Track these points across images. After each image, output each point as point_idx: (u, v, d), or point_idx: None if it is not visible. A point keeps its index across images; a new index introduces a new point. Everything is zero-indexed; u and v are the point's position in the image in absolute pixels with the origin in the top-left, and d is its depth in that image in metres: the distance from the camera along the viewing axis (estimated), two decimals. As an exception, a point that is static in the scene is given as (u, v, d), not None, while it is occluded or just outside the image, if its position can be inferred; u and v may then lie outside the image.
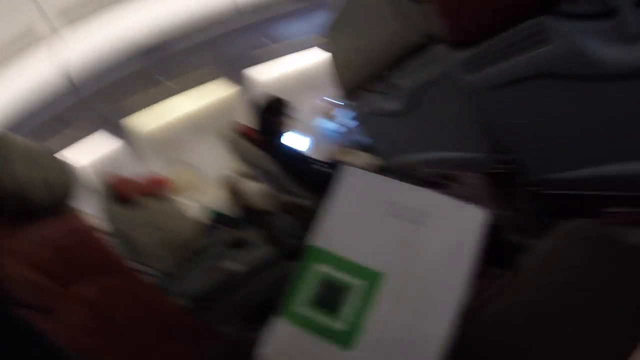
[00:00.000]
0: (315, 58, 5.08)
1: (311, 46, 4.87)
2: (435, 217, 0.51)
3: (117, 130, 4.41)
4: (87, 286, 0.85)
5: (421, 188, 0.53)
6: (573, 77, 0.81)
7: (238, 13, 3.95)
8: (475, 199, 1.29)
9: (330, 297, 0.50)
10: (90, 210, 3.66)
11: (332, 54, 1.55)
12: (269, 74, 4.98)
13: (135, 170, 4.45)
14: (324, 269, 0.51)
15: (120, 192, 2.48)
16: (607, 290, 0.59)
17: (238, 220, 3.66)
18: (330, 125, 4.55)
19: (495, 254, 1.36)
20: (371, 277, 0.50)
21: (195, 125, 4.83)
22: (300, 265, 0.52)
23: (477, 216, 0.52)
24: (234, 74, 4.64)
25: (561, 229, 0.69)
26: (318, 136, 5.31)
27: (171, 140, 4.75)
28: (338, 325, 0.49)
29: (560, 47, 0.77)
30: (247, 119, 2.73)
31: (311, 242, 0.53)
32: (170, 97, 4.41)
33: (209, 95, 4.76)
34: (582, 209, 1.09)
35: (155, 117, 4.55)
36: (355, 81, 1.48)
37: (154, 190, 3.22)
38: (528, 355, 0.55)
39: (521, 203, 1.36)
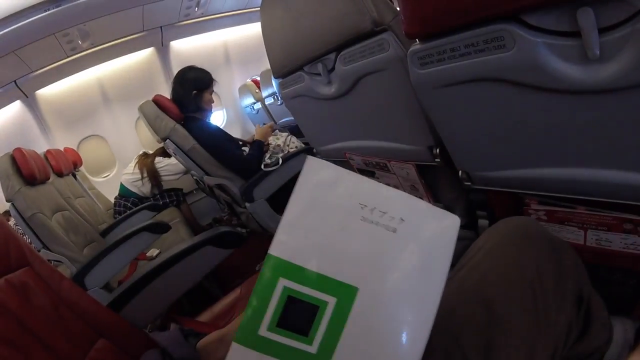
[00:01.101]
0: (248, 32, 4.96)
1: (246, 20, 4.76)
2: (409, 223, 0.46)
3: (16, 94, 3.99)
4: None
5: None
6: (526, 85, 0.82)
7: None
8: (405, 188, 1.31)
9: (297, 316, 0.43)
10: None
11: (266, 30, 1.49)
12: (193, 45, 4.77)
13: (39, 143, 4.16)
14: (288, 284, 0.44)
15: (24, 169, 2.27)
16: (542, 277, 0.63)
17: (154, 199, 3.56)
18: (253, 103, 4.47)
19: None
20: (343, 293, 0.44)
21: (107, 93, 4.52)
22: (260, 279, 0.44)
23: (453, 224, 0.47)
24: (156, 41, 4.39)
25: (502, 225, 0.72)
26: (238, 113, 5.23)
27: (79, 107, 4.41)
28: (309, 348, 0.43)
29: (520, 56, 0.77)
30: (165, 89, 2.62)
31: (271, 252, 0.46)
32: (80, 58, 4.05)
33: (126, 60, 4.45)
34: (510, 204, 1.13)
35: (62, 80, 4.18)
36: (290, 61, 1.42)
37: (61, 166, 3.02)
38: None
39: (450, 194, 1.39)
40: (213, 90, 2.64)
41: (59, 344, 0.80)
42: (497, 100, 0.90)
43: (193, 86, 2.53)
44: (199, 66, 2.67)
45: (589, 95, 0.75)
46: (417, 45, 0.95)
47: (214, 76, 2.66)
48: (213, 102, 2.66)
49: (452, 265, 0.48)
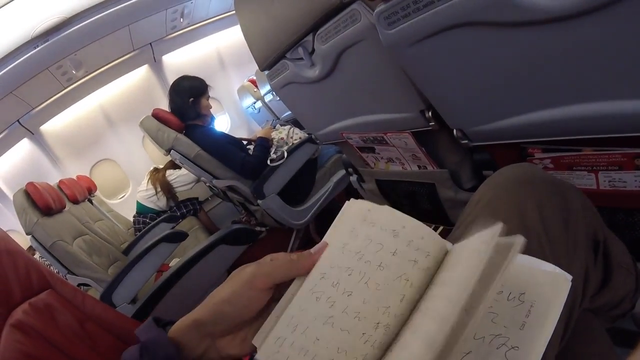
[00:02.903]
0: (238, 34, 4.97)
1: (234, 22, 4.76)
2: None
3: (21, 132, 4.05)
4: (20, 310, 0.80)
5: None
6: (500, 24, 0.79)
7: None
8: (407, 159, 1.29)
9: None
10: (10, 226, 3.50)
11: (244, 26, 1.48)
12: (186, 56, 4.80)
13: (52, 175, 4.23)
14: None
15: (39, 202, 2.32)
16: (546, 224, 0.60)
17: (170, 211, 3.60)
18: (254, 103, 4.47)
19: (436, 211, 1.37)
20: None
21: (110, 116, 4.58)
22: None
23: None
24: (148, 58, 4.42)
25: (498, 175, 0.70)
26: (242, 115, 5.24)
27: (86, 135, 4.47)
28: None
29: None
30: (165, 103, 2.65)
31: None
32: (78, 87, 4.09)
33: (123, 82, 4.49)
34: (514, 158, 1.10)
35: (64, 112, 4.24)
36: (272, 52, 1.41)
37: (76, 194, 3.08)
38: None
39: (453, 157, 1.37)
40: (209, 96, 2.64)
41: (88, 358, 0.81)
42: (473, 46, 0.87)
43: (189, 94, 2.54)
44: (194, 75, 2.68)
45: (562, 22, 0.71)
46: (381, 5, 0.93)
47: (210, 83, 2.68)
48: (211, 107, 2.67)
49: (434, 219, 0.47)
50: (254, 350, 0.48)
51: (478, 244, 0.40)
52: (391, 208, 0.49)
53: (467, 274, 0.37)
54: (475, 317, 0.35)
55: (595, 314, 0.72)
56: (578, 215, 0.63)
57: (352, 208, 0.51)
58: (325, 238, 0.51)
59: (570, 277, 0.42)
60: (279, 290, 0.50)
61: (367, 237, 0.48)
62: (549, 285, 0.41)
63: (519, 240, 0.38)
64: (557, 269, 0.43)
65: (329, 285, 0.46)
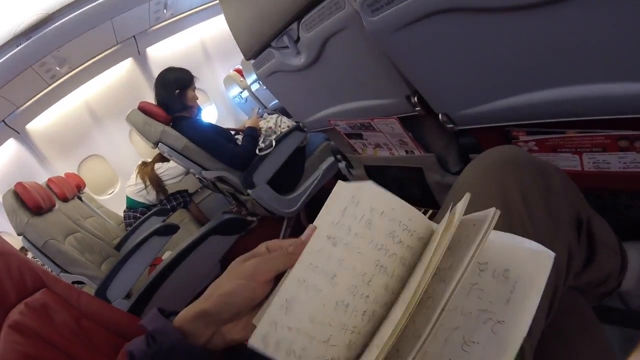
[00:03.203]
0: (223, 24, 4.92)
1: (218, 12, 4.71)
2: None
3: (7, 132, 4.01)
4: (16, 311, 0.81)
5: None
6: (483, 9, 0.80)
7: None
8: (394, 144, 1.30)
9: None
10: (1, 228, 3.47)
11: (228, 16, 1.47)
12: (171, 48, 4.75)
13: (40, 174, 4.19)
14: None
15: (29, 202, 2.31)
16: (528, 203, 0.61)
17: (161, 205, 3.59)
18: (240, 92, 4.45)
19: (425, 195, 1.38)
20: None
21: (95, 112, 4.53)
22: None
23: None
24: (132, 51, 4.37)
25: (482, 157, 0.71)
26: (229, 106, 5.21)
27: (72, 132, 4.43)
28: None
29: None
30: (151, 96, 2.63)
31: None
32: (62, 84, 4.04)
33: (108, 77, 4.44)
34: (499, 141, 1.11)
35: (49, 110, 4.19)
36: (257, 41, 1.41)
37: (65, 192, 3.06)
38: None
39: (439, 142, 1.38)
40: (195, 87, 2.63)
41: (85, 354, 0.82)
42: (456, 32, 0.88)
43: (175, 86, 2.52)
44: (180, 66, 2.66)
45: (546, 7, 0.72)
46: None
47: (196, 74, 2.65)
48: (197, 98, 2.65)
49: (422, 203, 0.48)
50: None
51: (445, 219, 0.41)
52: (380, 189, 0.50)
53: (432, 246, 0.38)
54: (452, 286, 0.37)
55: (582, 292, 0.74)
56: (560, 195, 0.64)
57: (342, 190, 0.53)
58: (316, 221, 0.53)
59: (552, 254, 0.43)
60: (279, 278, 0.51)
61: (356, 218, 0.49)
62: (532, 262, 0.43)
63: (492, 212, 0.39)
64: (540, 246, 0.44)
65: (315, 269, 0.48)
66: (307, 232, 0.52)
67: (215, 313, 0.50)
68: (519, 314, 0.40)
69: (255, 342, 0.46)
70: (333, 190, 0.53)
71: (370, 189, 0.50)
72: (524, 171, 0.64)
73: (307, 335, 0.45)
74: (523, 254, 0.43)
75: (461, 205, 0.44)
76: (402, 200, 0.49)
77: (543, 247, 0.44)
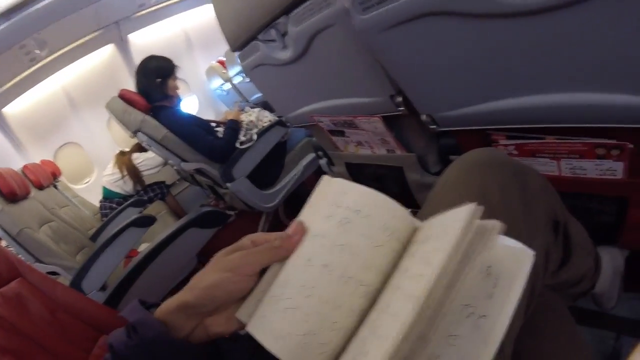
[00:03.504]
0: (207, 14, 4.87)
1: (203, 1, 4.66)
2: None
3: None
4: None
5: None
6: (471, 14, 0.81)
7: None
8: (376, 142, 1.31)
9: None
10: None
11: (217, 6, 1.46)
12: (153, 36, 4.68)
13: (14, 160, 4.10)
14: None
15: (3, 188, 2.26)
16: (507, 203, 0.62)
17: (137, 196, 3.55)
18: (222, 84, 4.42)
19: (404, 194, 1.40)
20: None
21: (74, 99, 4.44)
22: None
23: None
24: (114, 36, 4.30)
25: (462, 158, 0.71)
26: (209, 97, 5.17)
27: (49, 118, 4.34)
28: None
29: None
30: (131, 84, 2.59)
31: None
32: (41, 67, 3.94)
33: (87, 63, 4.35)
34: (479, 144, 1.13)
35: (26, 94, 4.09)
36: (244, 32, 1.40)
37: (40, 179, 3.00)
38: None
39: (420, 142, 1.39)
40: (177, 77, 2.60)
41: (60, 347, 0.81)
42: (444, 35, 0.89)
43: (156, 75, 2.49)
44: (162, 55, 2.63)
45: (530, 16, 0.74)
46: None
47: (177, 63, 2.63)
48: (178, 88, 2.62)
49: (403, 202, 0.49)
50: (239, 327, 0.50)
51: (456, 221, 0.41)
52: (364, 187, 0.50)
53: (449, 251, 0.39)
54: (455, 292, 0.38)
55: (557, 291, 0.76)
56: (539, 196, 0.66)
57: (327, 185, 0.53)
58: (301, 217, 0.53)
59: (532, 252, 0.44)
60: (262, 271, 0.51)
61: (340, 215, 0.49)
62: (513, 259, 0.43)
63: (497, 224, 0.40)
64: (520, 245, 0.45)
65: (301, 271, 0.48)
66: (292, 226, 0.52)
67: (198, 305, 0.50)
68: (501, 309, 0.40)
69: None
70: (318, 185, 0.53)
71: (355, 186, 0.50)
72: (504, 172, 0.65)
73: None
74: (504, 251, 0.44)
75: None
76: (387, 198, 0.50)
77: (523, 245, 0.45)
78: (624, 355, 1.07)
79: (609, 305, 1.04)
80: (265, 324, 0.47)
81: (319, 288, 0.46)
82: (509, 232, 0.57)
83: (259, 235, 0.53)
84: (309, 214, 0.52)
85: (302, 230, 0.51)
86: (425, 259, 0.43)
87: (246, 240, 0.53)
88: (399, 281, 0.46)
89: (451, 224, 0.42)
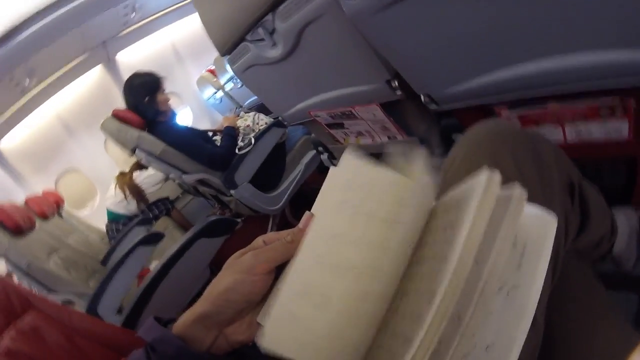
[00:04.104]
0: (193, 24, 4.84)
1: (188, 12, 4.63)
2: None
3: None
4: (7, 337, 0.79)
5: None
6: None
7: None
8: (377, 131, 1.30)
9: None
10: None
11: (202, 13, 1.45)
12: (141, 52, 4.66)
13: (16, 193, 4.09)
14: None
15: (8, 223, 2.25)
16: (522, 171, 0.61)
17: (143, 214, 3.54)
18: (214, 93, 4.41)
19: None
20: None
21: (69, 124, 4.44)
22: None
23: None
24: (102, 57, 4.28)
25: (470, 132, 0.70)
26: (203, 107, 5.16)
27: (46, 147, 4.33)
28: None
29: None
30: (124, 103, 2.56)
31: None
32: (33, 98, 3.92)
33: (79, 87, 4.33)
34: (482, 119, 1.11)
35: (21, 126, 4.08)
36: (231, 35, 1.39)
37: (45, 209, 2.99)
38: None
39: (421, 125, 1.38)
40: (165, 90, 2.57)
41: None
42: (436, 9, 0.87)
43: (143, 93, 2.45)
44: (149, 70, 2.60)
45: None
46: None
47: (168, 77, 2.60)
48: (169, 99, 2.58)
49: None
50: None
51: (474, 189, 0.39)
52: (374, 167, 0.48)
53: (470, 221, 0.37)
54: (488, 267, 0.36)
55: (578, 257, 0.74)
56: (551, 161, 0.64)
57: (337, 174, 0.51)
58: (313, 209, 0.50)
59: (555, 216, 0.42)
60: (278, 270, 0.50)
61: (353, 202, 0.47)
62: (536, 226, 0.42)
63: (523, 192, 0.38)
64: (542, 210, 0.43)
65: (320, 260, 0.45)
66: (304, 219, 0.50)
67: (215, 314, 0.48)
68: (532, 278, 0.40)
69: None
70: (327, 177, 0.51)
71: (363, 169, 0.48)
72: (514, 140, 0.64)
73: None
74: (528, 219, 0.42)
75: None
76: (398, 176, 0.47)
77: (545, 210, 0.43)
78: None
79: (628, 266, 1.03)
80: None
81: (336, 287, 0.44)
82: (527, 200, 0.55)
83: (271, 235, 0.52)
84: (320, 206, 0.50)
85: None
86: (446, 235, 0.41)
87: (258, 240, 0.52)
88: (421, 262, 0.44)
89: (469, 194, 0.40)
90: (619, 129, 0.93)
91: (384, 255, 0.44)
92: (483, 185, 0.38)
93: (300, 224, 0.50)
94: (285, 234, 0.50)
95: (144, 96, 2.46)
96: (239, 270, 0.48)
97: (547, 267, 0.40)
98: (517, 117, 1.06)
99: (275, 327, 0.44)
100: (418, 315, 0.37)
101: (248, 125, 2.66)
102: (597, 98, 0.89)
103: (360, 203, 0.46)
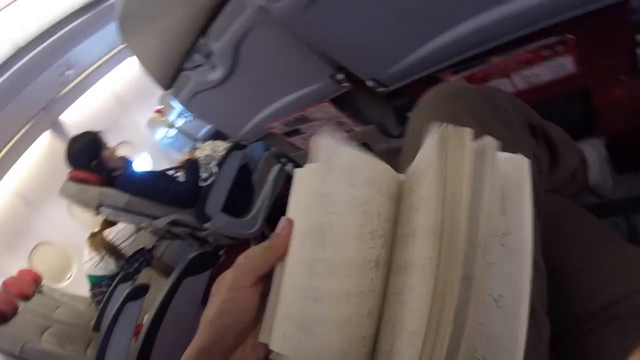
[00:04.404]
0: (132, 67, 4.77)
1: (125, 56, 4.56)
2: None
3: None
4: None
5: None
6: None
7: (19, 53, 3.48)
8: (332, 129, 1.30)
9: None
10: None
11: (137, 53, 1.42)
12: (85, 108, 4.56)
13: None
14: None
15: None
16: (482, 122, 0.60)
17: (123, 270, 3.46)
18: (167, 132, 4.37)
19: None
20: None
21: (28, 198, 4.32)
22: None
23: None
24: (46, 123, 4.19)
25: (422, 100, 0.70)
26: (159, 149, 5.08)
27: (11, 226, 4.21)
28: None
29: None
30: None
31: None
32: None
33: (30, 159, 4.23)
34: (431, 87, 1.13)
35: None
36: (169, 67, 1.37)
37: (24, 290, 2.92)
38: None
39: (375, 111, 1.38)
40: (107, 144, 2.50)
41: None
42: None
43: (87, 157, 2.38)
44: (85, 131, 2.54)
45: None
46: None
47: (116, 126, 2.56)
48: (115, 152, 2.52)
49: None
50: (267, 351, 0.46)
51: (431, 144, 0.39)
52: (336, 158, 0.47)
53: (436, 172, 0.36)
54: (483, 220, 0.35)
55: (560, 196, 0.75)
56: (508, 108, 0.64)
57: (302, 176, 0.50)
58: (288, 213, 0.50)
59: (525, 157, 0.42)
60: (266, 282, 0.48)
61: (324, 198, 0.46)
62: (511, 169, 0.42)
63: (492, 140, 0.38)
64: (510, 154, 0.43)
65: (305, 264, 0.45)
66: (281, 224, 0.49)
67: (214, 344, 0.45)
68: (520, 221, 0.39)
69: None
70: (293, 181, 0.51)
71: (327, 162, 0.47)
72: (469, 97, 0.64)
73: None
74: (500, 165, 0.42)
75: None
76: (362, 157, 0.46)
77: (513, 154, 0.43)
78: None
79: (607, 192, 1.05)
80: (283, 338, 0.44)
81: (322, 288, 0.43)
82: (496, 148, 0.55)
83: (250, 249, 0.49)
84: (293, 210, 0.50)
85: (290, 225, 0.48)
86: (422, 199, 0.40)
87: (240, 258, 0.49)
88: (405, 231, 0.43)
89: (429, 151, 0.39)
90: (563, 65, 0.96)
91: (364, 241, 0.43)
92: (436, 144, 0.37)
93: (278, 229, 0.49)
94: (265, 242, 0.48)
95: (90, 160, 2.39)
96: (224, 290, 0.46)
97: (530, 209, 0.39)
98: (464, 79, 1.07)
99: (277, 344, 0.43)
100: (419, 287, 0.36)
101: (208, 155, 2.62)
102: (536, 41, 0.90)
103: (331, 197, 0.45)
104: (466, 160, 0.37)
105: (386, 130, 1.41)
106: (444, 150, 0.37)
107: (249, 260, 0.47)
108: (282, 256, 0.47)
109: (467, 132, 0.37)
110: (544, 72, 0.98)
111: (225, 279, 0.47)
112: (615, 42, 0.91)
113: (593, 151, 1.01)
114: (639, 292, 0.57)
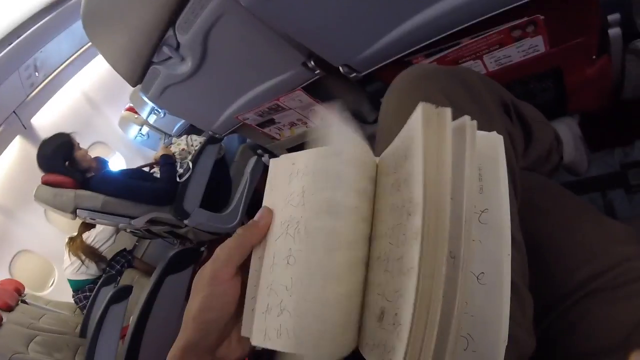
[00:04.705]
0: (100, 66, 4.67)
1: (89, 58, 4.47)
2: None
3: None
4: None
5: None
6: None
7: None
8: (308, 116, 1.29)
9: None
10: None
11: (103, 50, 1.39)
12: (55, 110, 4.46)
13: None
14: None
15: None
16: (455, 103, 0.60)
17: (105, 273, 3.42)
18: (140, 130, 4.30)
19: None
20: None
21: (4, 205, 4.24)
22: None
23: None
24: (17, 128, 4.09)
25: (394, 83, 0.70)
26: (132, 147, 5.00)
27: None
28: None
29: None
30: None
31: None
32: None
33: (2, 165, 4.13)
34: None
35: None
36: (136, 61, 1.34)
37: (7, 301, 2.90)
38: None
39: (349, 98, 1.38)
40: (79, 144, 2.47)
41: None
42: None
43: (59, 159, 2.37)
44: (55, 133, 2.50)
45: None
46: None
47: (87, 127, 2.52)
48: (87, 152, 2.49)
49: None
50: (252, 345, 0.45)
51: (415, 124, 0.38)
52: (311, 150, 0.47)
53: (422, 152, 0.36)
54: (466, 199, 0.35)
55: (536, 173, 0.75)
56: (481, 88, 0.64)
57: (278, 165, 0.50)
58: (265, 202, 0.49)
59: (499, 135, 0.42)
60: (245, 273, 0.48)
61: (301, 185, 0.46)
62: (485, 147, 0.42)
63: (468, 118, 0.37)
64: (485, 132, 0.43)
65: (282, 253, 0.45)
66: (259, 213, 0.48)
67: (199, 339, 0.45)
68: (497, 198, 0.39)
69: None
70: (269, 169, 0.50)
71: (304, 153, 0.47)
72: (439, 78, 0.64)
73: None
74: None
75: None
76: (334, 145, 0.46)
77: (488, 132, 0.43)
78: (617, 207, 1.10)
79: (582, 170, 1.07)
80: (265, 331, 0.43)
81: (299, 283, 0.42)
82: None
83: (227, 240, 0.49)
84: (270, 199, 0.49)
85: (268, 213, 0.47)
86: (406, 178, 0.39)
87: (217, 252, 0.48)
88: (386, 211, 0.42)
89: (411, 132, 0.39)
90: (534, 45, 0.96)
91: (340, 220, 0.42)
92: (433, 116, 0.37)
93: (256, 217, 0.48)
94: (239, 229, 0.48)
95: (62, 162, 2.36)
96: (204, 285, 0.45)
97: (507, 186, 0.40)
98: (435, 61, 1.07)
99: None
100: (408, 269, 0.35)
101: (183, 149, 2.58)
102: (506, 22, 0.90)
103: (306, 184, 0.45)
104: (448, 138, 0.36)
105: (361, 117, 1.41)
106: (429, 129, 0.36)
107: (225, 251, 0.46)
108: (256, 242, 0.47)
109: (448, 111, 0.37)
110: (515, 54, 0.99)
111: (204, 273, 0.46)
112: (586, 21, 0.91)
113: (567, 129, 1.02)
114: (619, 265, 0.58)
